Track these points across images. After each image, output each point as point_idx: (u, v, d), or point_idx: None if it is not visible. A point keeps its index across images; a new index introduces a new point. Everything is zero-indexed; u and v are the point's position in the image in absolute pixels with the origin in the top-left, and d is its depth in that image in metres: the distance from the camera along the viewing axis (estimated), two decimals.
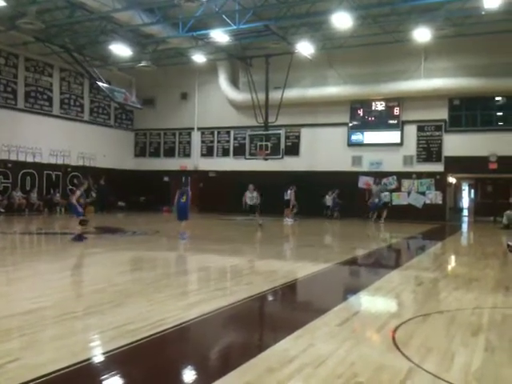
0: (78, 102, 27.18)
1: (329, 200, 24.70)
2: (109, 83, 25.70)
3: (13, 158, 23.67)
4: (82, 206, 13.29)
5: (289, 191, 23.98)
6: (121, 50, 22.81)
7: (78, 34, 23.00)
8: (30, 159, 24.45)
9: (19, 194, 23.57)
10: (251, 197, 19.98)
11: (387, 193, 24.21)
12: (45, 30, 20.75)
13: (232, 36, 21.68)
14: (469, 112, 23.69)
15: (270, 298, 7.23)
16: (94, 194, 26.96)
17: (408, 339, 4.93)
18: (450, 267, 11.21)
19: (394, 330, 5.17)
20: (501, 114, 23.50)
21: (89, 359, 4.25)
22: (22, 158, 24.09)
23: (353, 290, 7.94)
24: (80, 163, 26.90)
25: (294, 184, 23.29)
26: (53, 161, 25.46)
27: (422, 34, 20.52)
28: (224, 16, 19.44)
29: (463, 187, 29.99)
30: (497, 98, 23.37)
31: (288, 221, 22.36)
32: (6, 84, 23.50)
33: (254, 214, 19.86)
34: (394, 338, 4.90)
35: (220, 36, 21.11)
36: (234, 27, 19.63)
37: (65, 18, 20.37)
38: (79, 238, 12.61)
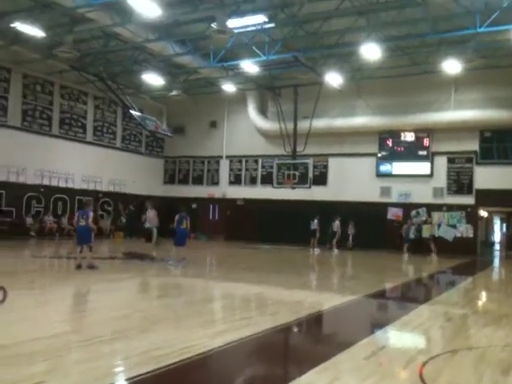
0: (110, 129, 27.86)
1: (334, 226, 24.32)
2: (141, 111, 26.30)
3: (46, 182, 24.25)
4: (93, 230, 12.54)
5: (316, 220, 24.05)
6: (153, 79, 23.40)
7: (112, 63, 23.70)
8: (62, 184, 25.02)
9: (51, 219, 24.07)
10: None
11: (425, 225, 23.71)
12: (80, 58, 21.46)
13: (261, 66, 22.02)
14: (500, 144, 23.32)
15: (295, 329, 7.16)
16: (123, 220, 27.41)
17: (436, 376, 4.81)
18: (479, 303, 10.92)
19: (422, 366, 5.05)
20: None
21: None
22: (54, 183, 24.67)
23: (380, 323, 7.80)
24: (111, 189, 27.40)
25: (322, 214, 23.37)
26: (84, 186, 25.99)
27: (451, 66, 20.46)
28: (254, 47, 19.80)
29: (495, 221, 29.36)
30: None
31: (315, 251, 22.48)
32: (42, 111, 24.26)
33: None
34: (421, 374, 4.78)
35: (249, 67, 21.48)
36: (264, 58, 19.95)
37: (99, 48, 21.07)
38: (92, 265, 12.10)
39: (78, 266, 12.05)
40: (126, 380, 4.46)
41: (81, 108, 26.17)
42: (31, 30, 17.54)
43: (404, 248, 22.51)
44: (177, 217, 14.32)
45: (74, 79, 24.87)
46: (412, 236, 22.76)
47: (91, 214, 12.37)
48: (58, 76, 24.34)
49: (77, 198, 25.42)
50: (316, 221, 24.28)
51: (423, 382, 4.57)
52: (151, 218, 19.07)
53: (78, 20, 18.16)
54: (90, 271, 11.81)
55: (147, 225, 19.13)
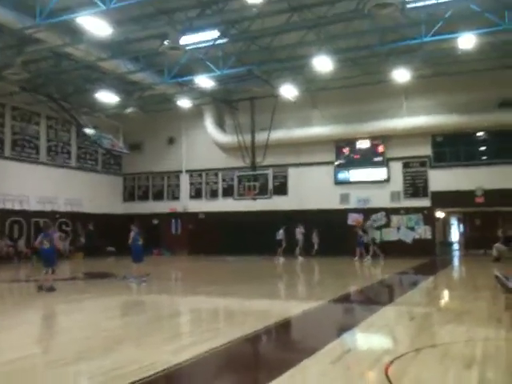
0: (65, 148, 27.28)
1: (297, 233, 24.52)
2: (96, 129, 25.88)
3: (0, 206, 23.51)
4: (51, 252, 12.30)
5: (281, 231, 24.20)
6: (107, 97, 23.09)
7: (65, 83, 23.28)
8: (17, 207, 24.29)
9: (7, 242, 23.29)
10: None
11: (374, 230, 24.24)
12: (31, 79, 21.01)
13: (217, 81, 22.08)
14: (452, 148, 24.10)
15: (262, 337, 7.16)
16: (82, 240, 26.81)
17: (401, 374, 4.90)
18: (441, 301, 11.19)
19: (388, 366, 5.13)
20: (483, 148, 23.93)
21: None
22: (9, 206, 23.92)
23: (345, 327, 7.89)
24: (68, 209, 26.78)
25: (285, 224, 23.60)
26: (40, 207, 25.31)
27: (401, 75, 21.10)
28: (208, 62, 19.86)
29: (452, 221, 30.21)
30: (478, 134, 23.83)
31: (280, 260, 22.64)
32: None
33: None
34: (387, 374, 4.86)
35: (205, 81, 21.51)
36: (218, 72, 20.03)
37: (50, 68, 20.67)
38: (51, 288, 11.89)
39: (40, 288, 11.89)
40: None
41: (33, 129, 25.57)
42: None
43: (356, 252, 22.66)
44: (132, 233, 14.37)
45: (26, 100, 24.28)
46: (364, 240, 23.00)
47: (56, 235, 12.38)
48: (9, 97, 23.73)
49: (33, 220, 24.74)
50: (281, 231, 24.41)
51: (389, 381, 4.64)
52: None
53: (27, 41, 17.73)
54: (51, 294, 11.51)
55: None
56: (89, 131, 25.30)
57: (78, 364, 5.52)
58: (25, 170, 24.68)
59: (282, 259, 23.08)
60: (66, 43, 17.36)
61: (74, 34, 16.90)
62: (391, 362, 5.26)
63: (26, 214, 24.49)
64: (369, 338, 7.08)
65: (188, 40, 17.21)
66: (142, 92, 24.15)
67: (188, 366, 5.36)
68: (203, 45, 18.39)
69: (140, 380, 4.76)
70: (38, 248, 12.55)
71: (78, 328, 7.85)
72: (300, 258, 23.42)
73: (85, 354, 5.93)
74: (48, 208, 25.61)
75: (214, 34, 17.74)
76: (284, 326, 8.03)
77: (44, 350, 6.24)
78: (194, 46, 18.26)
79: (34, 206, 24.97)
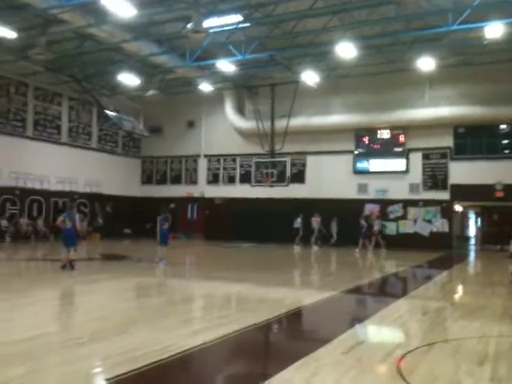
0: (86, 130, 27.53)
1: (313, 223, 24.39)
2: (117, 112, 26.04)
3: (20, 185, 23.85)
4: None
5: (299, 219, 24.03)
6: (129, 79, 23.19)
7: (87, 64, 23.41)
8: (37, 186, 24.65)
9: (26, 221, 23.69)
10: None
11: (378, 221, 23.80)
12: (54, 60, 21.15)
13: (238, 66, 22.01)
14: (474, 140, 23.73)
15: (275, 325, 7.20)
16: (100, 221, 27.15)
17: (413, 368, 4.90)
18: (456, 296, 11.12)
19: (400, 359, 5.14)
20: (506, 141, 23.49)
21: None
22: (29, 185, 24.28)
23: (358, 318, 7.90)
24: (87, 190, 27.10)
25: (302, 212, 23.53)
26: (60, 188, 25.65)
27: (425, 64, 20.74)
28: (230, 46, 19.79)
29: (470, 215, 29.84)
30: (501, 126, 23.42)
31: (296, 248, 22.73)
32: (16, 112, 23.85)
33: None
34: (399, 368, 4.87)
35: (226, 66, 21.45)
36: (240, 57, 19.94)
37: (74, 49, 20.79)
38: (73, 265, 12.29)
39: (64, 266, 12.24)
40: (106, 380, 4.44)
41: (55, 109, 25.82)
42: (3, 31, 17.21)
43: (359, 243, 22.54)
44: (159, 217, 15.03)
45: (48, 80, 24.50)
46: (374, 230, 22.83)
47: (77, 217, 12.97)
48: (32, 77, 23.96)
49: (52, 199, 25.12)
50: (299, 219, 24.31)
51: (401, 375, 4.65)
52: None
53: (52, 21, 17.87)
54: (69, 273, 11.73)
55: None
56: (110, 113, 25.47)
57: (94, 344, 5.63)
58: (46, 150, 24.99)
59: (298, 247, 23.08)
60: (89, 24, 17.40)
61: (98, 15, 16.93)
62: (403, 356, 5.26)
63: (45, 194, 24.85)
64: (381, 331, 7.08)
65: (211, 23, 17.10)
66: (164, 75, 24.17)
67: (201, 351, 5.43)
68: (226, 28, 18.31)
69: (155, 362, 4.84)
70: (59, 227, 12.81)
71: (94, 308, 7.99)
72: (315, 247, 23.39)
73: (101, 334, 6.04)
74: (67, 188, 25.95)
75: (237, 17, 17.61)
76: (297, 315, 8.07)
77: (58, 329, 6.36)
78: (217, 30, 18.15)
79: (53, 186, 25.32)
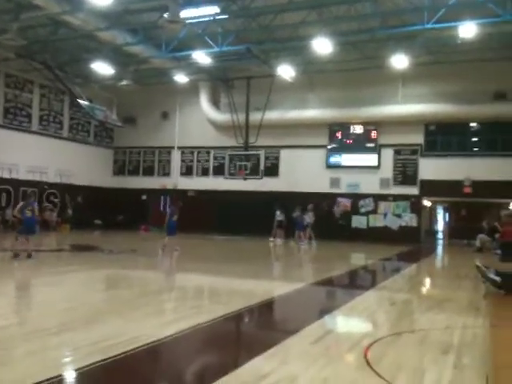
0: (57, 118, 27.05)
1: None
2: (90, 101, 25.63)
3: None
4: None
5: (278, 212, 23.50)
6: (103, 68, 22.84)
7: (60, 52, 22.98)
8: (6, 175, 24.14)
9: None
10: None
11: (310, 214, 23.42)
12: (26, 46, 20.70)
13: (214, 58, 21.91)
14: (444, 137, 24.21)
15: (246, 316, 7.26)
16: (70, 212, 26.75)
17: (380, 357, 5.02)
18: (423, 288, 11.38)
19: (367, 349, 5.25)
20: (475, 139, 24.03)
21: (61, 375, 4.24)
22: None
23: (327, 309, 8.02)
24: (58, 180, 26.66)
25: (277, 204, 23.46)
26: (30, 177, 25.18)
27: (399, 61, 21.03)
28: (206, 38, 19.69)
29: (438, 210, 30.45)
30: (471, 124, 23.93)
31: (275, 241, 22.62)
32: None
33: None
34: (366, 356, 4.98)
35: (202, 57, 21.33)
36: (217, 49, 19.88)
37: (47, 35, 20.39)
38: (30, 255, 12.17)
39: (15, 255, 12.12)
40: (75, 371, 4.42)
41: (26, 97, 25.29)
42: None
43: (295, 235, 22.59)
44: (169, 210, 16.71)
45: (20, 67, 23.98)
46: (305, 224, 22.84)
47: (36, 205, 12.93)
48: (3, 64, 23.39)
49: (21, 189, 24.62)
50: (278, 212, 23.74)
51: (368, 363, 4.76)
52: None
53: (25, 7, 17.45)
54: (33, 264, 11.57)
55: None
56: (82, 102, 25.06)
57: (62, 335, 5.57)
58: (16, 138, 24.48)
59: (278, 241, 22.85)
60: (64, 11, 17.10)
61: (73, 1, 16.65)
62: (370, 345, 5.38)
63: (14, 183, 24.36)
64: (349, 321, 7.21)
65: (188, 14, 17.03)
66: (138, 65, 23.90)
67: (172, 341, 5.45)
68: (203, 20, 18.22)
69: (126, 352, 4.84)
70: (18, 217, 12.71)
71: (61, 299, 7.89)
72: (278, 241, 23.01)
73: (69, 325, 5.99)
74: (37, 178, 25.48)
75: (214, 9, 17.56)
76: (268, 306, 8.15)
77: (25, 320, 6.28)
78: (194, 21, 18.06)
79: (23, 175, 24.83)
